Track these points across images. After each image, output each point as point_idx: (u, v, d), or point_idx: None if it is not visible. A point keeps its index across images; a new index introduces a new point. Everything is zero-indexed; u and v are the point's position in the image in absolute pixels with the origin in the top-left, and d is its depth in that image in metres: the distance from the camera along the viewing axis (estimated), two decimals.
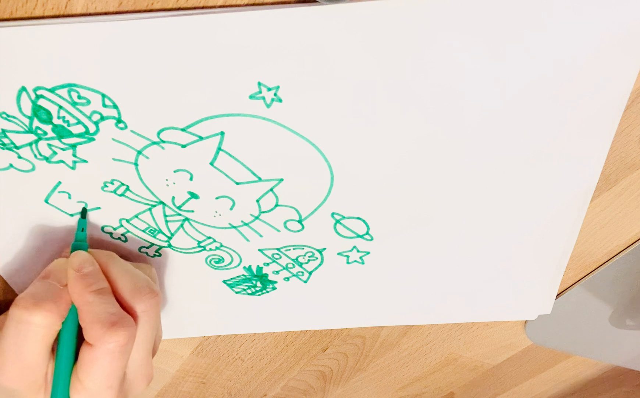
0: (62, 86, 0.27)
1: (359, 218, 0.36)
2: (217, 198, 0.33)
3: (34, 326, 0.30)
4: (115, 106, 0.28)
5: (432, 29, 0.27)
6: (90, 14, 0.26)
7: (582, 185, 0.36)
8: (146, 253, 0.37)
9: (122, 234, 0.36)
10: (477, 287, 0.43)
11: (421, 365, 0.57)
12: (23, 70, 0.27)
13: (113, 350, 0.30)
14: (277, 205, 0.34)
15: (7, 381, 0.31)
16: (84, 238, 0.34)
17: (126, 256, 0.37)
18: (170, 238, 0.36)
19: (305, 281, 0.40)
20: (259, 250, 0.37)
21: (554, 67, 0.29)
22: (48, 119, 0.29)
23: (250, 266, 0.39)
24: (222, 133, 0.30)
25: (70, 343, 0.32)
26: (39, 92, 0.28)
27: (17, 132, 0.29)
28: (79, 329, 0.32)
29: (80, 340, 0.32)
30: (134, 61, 0.27)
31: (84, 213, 0.34)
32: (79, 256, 0.33)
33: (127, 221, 0.35)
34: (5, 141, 0.30)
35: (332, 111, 0.30)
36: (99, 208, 0.34)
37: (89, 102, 0.28)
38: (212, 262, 0.38)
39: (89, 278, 0.32)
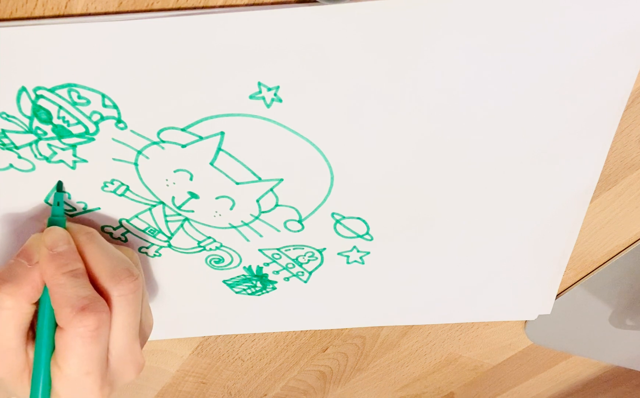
0: (62, 86, 0.27)
1: (359, 218, 0.36)
2: (217, 198, 0.33)
3: (2, 310, 0.29)
4: (115, 106, 0.28)
5: (432, 29, 0.27)
6: (90, 14, 0.26)
7: (582, 185, 0.36)
8: (146, 253, 0.37)
9: (122, 234, 0.36)
10: (477, 287, 0.43)
11: (421, 365, 0.57)
12: (23, 70, 0.27)
13: (83, 335, 0.29)
14: (277, 205, 0.34)
15: None
16: (61, 214, 0.32)
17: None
18: (170, 238, 0.36)
19: (305, 281, 0.40)
20: (259, 250, 0.37)
21: (554, 67, 0.29)
22: (48, 119, 0.29)
23: (250, 266, 0.39)
24: (222, 133, 0.30)
25: (49, 326, 0.30)
26: (39, 92, 0.28)
27: (17, 132, 0.29)
28: None
29: None
30: (134, 61, 0.27)
31: (59, 186, 0.32)
32: (53, 233, 0.31)
33: (127, 221, 0.35)
34: (5, 141, 0.30)
35: (332, 111, 0.30)
36: (99, 208, 0.34)
37: (89, 102, 0.28)
38: (212, 262, 0.38)
39: (62, 257, 0.30)
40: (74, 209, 0.34)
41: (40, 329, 0.30)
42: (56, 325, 0.30)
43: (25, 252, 0.31)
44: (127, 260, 0.32)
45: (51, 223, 0.32)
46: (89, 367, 0.30)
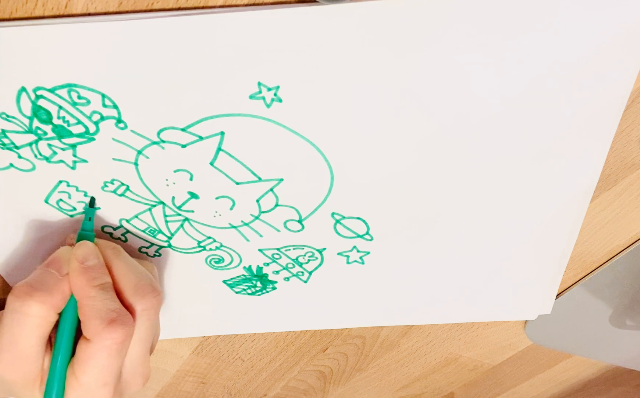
0: (62, 86, 0.27)
1: (359, 218, 0.36)
2: (217, 198, 0.33)
3: (27, 316, 0.30)
4: (115, 106, 0.28)
5: (432, 29, 0.27)
6: (90, 14, 0.26)
7: (582, 185, 0.36)
8: (146, 253, 0.37)
9: (122, 234, 0.36)
10: (477, 287, 0.43)
11: (421, 365, 0.57)
12: (23, 70, 0.27)
13: (110, 347, 0.30)
14: (277, 205, 0.34)
15: (2, 370, 0.30)
16: (91, 229, 0.33)
17: None
18: (170, 238, 0.36)
19: (305, 281, 0.40)
20: (259, 250, 0.37)
21: (554, 67, 0.29)
22: (48, 119, 0.29)
23: (250, 266, 0.39)
24: (222, 133, 0.30)
25: (69, 337, 0.31)
26: (39, 93, 0.28)
27: (17, 132, 0.29)
28: (78, 323, 0.32)
29: (79, 334, 0.32)
30: (134, 60, 0.27)
31: (92, 202, 0.33)
32: (84, 247, 0.32)
33: (127, 221, 0.35)
34: (5, 141, 0.30)
35: (332, 111, 0.30)
36: (99, 208, 0.34)
37: (89, 102, 0.28)
38: (212, 262, 0.38)
39: (92, 271, 0.31)
40: (74, 209, 0.34)
41: (59, 338, 0.31)
42: (75, 335, 0.31)
43: (55, 262, 0.32)
44: (150, 275, 0.33)
45: (81, 237, 0.33)
46: (107, 379, 0.31)
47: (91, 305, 0.30)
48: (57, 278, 0.31)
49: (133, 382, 0.33)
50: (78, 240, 0.33)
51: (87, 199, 0.33)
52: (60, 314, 0.31)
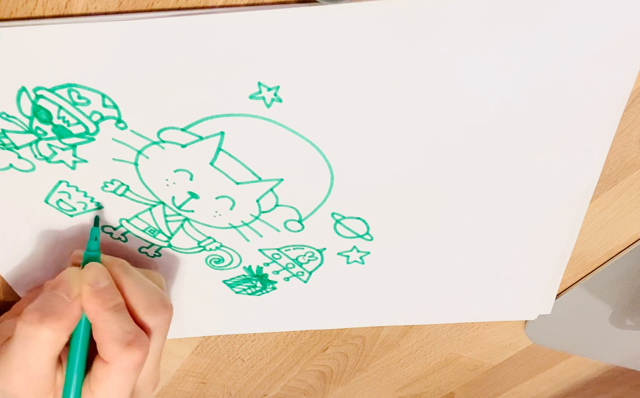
0: (62, 86, 0.27)
1: (359, 218, 0.36)
2: (217, 198, 0.33)
3: (39, 342, 0.30)
4: (115, 106, 0.28)
5: (432, 29, 0.27)
6: (90, 14, 0.26)
7: (582, 185, 0.36)
8: (146, 253, 0.37)
9: (122, 234, 0.36)
10: (477, 287, 0.43)
11: (421, 365, 0.57)
12: (23, 70, 0.27)
13: (128, 368, 0.30)
14: (277, 205, 0.34)
15: (13, 389, 0.31)
16: (97, 248, 0.33)
17: (126, 256, 0.37)
18: (170, 238, 0.36)
19: (305, 281, 0.40)
20: (259, 250, 0.37)
21: (554, 67, 0.29)
22: (48, 119, 0.29)
23: (250, 266, 0.39)
24: (222, 133, 0.30)
25: (82, 356, 0.32)
26: (39, 93, 0.28)
27: (17, 132, 0.29)
28: (90, 338, 0.32)
29: (91, 348, 0.32)
30: (134, 61, 0.27)
31: (96, 221, 0.33)
32: (95, 270, 0.32)
33: (127, 221, 0.35)
34: (5, 141, 0.30)
35: (332, 111, 0.30)
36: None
37: (89, 102, 0.28)
38: (212, 262, 0.38)
39: (105, 293, 0.31)
40: (74, 209, 0.34)
41: (72, 358, 0.32)
42: (87, 353, 0.32)
43: (63, 286, 0.31)
44: (160, 290, 0.33)
45: (88, 258, 0.33)
46: (123, 395, 0.31)
47: (107, 328, 0.31)
48: (67, 302, 0.31)
49: (144, 389, 0.34)
50: (85, 261, 0.33)
51: (87, 200, 0.33)
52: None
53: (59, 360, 0.32)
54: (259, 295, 0.41)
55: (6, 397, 0.31)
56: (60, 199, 0.33)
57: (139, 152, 0.31)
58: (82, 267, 0.32)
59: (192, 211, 0.34)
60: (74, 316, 0.31)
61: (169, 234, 0.36)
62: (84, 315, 0.32)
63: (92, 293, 0.31)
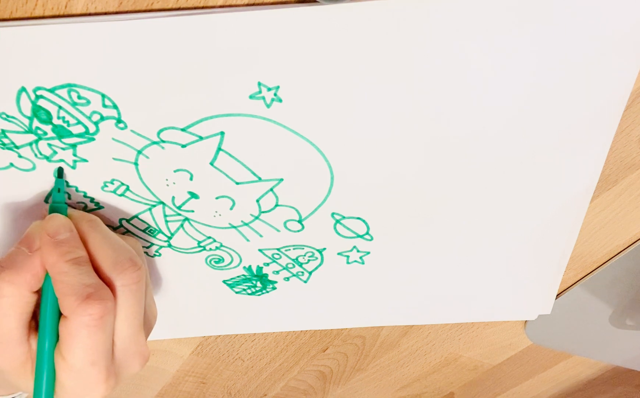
0: (62, 86, 0.27)
1: (359, 218, 0.36)
2: (217, 198, 0.33)
3: (1, 298, 0.28)
4: (115, 106, 0.28)
5: (432, 29, 0.27)
6: (90, 14, 0.26)
7: (582, 185, 0.36)
8: (146, 253, 0.37)
9: (122, 234, 0.36)
10: (477, 287, 0.43)
11: (421, 365, 0.57)
12: (23, 70, 0.27)
13: (88, 323, 0.28)
14: (277, 205, 0.34)
15: None
16: (62, 201, 0.31)
17: None
18: (170, 238, 0.36)
19: (305, 281, 0.40)
20: (259, 250, 0.37)
21: (554, 67, 0.29)
22: (48, 120, 0.29)
23: (250, 266, 0.39)
24: (222, 133, 0.30)
25: (52, 316, 0.30)
26: (38, 93, 0.28)
27: (17, 132, 0.29)
28: None
29: None
30: (133, 61, 0.27)
31: (60, 172, 0.31)
32: (55, 220, 0.30)
33: (127, 221, 0.35)
34: (5, 141, 0.30)
35: (332, 111, 0.30)
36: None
37: (88, 102, 0.28)
38: (212, 262, 0.38)
39: (64, 245, 0.29)
40: (74, 209, 0.34)
41: (42, 319, 0.30)
42: (60, 314, 0.30)
43: (26, 239, 0.30)
44: (130, 249, 0.31)
45: (52, 210, 0.31)
46: (94, 357, 0.29)
47: (65, 281, 0.29)
48: (27, 254, 0.29)
49: (129, 362, 0.32)
50: (50, 213, 0.31)
51: (87, 200, 0.33)
52: (40, 294, 0.30)
53: (35, 328, 0.30)
54: (259, 295, 0.41)
55: None
56: None
57: (139, 152, 0.31)
58: None
59: (192, 211, 0.34)
60: (34, 269, 0.29)
61: (169, 234, 0.36)
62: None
63: (52, 244, 0.29)
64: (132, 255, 0.31)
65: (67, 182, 0.32)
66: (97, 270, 0.30)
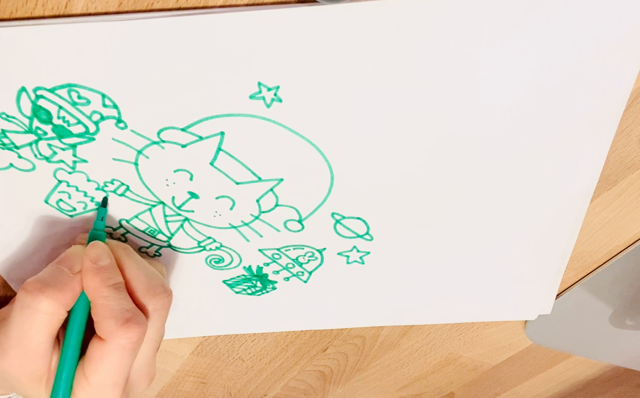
0: (62, 86, 0.27)
1: (359, 218, 0.36)
2: (217, 198, 0.33)
3: (37, 312, 0.29)
4: (115, 106, 0.28)
5: (432, 29, 0.27)
6: (90, 14, 0.26)
7: (582, 185, 0.36)
8: (146, 253, 0.37)
9: (122, 235, 0.36)
10: (477, 287, 0.43)
11: (421, 365, 0.57)
12: (23, 70, 0.27)
13: (124, 347, 0.30)
14: (277, 205, 0.34)
15: (9, 366, 0.30)
16: (102, 228, 0.33)
17: None
18: (170, 238, 0.36)
19: (305, 281, 0.40)
20: (259, 250, 0.37)
21: (554, 67, 0.29)
22: (48, 119, 0.29)
23: (250, 266, 0.39)
24: (222, 133, 0.30)
25: (78, 335, 0.31)
26: (38, 93, 0.28)
27: (17, 132, 0.29)
28: (88, 321, 0.32)
29: (87, 333, 0.32)
30: (134, 61, 0.27)
31: (104, 202, 0.33)
32: (97, 248, 0.32)
33: (127, 221, 0.35)
34: (5, 141, 0.30)
35: (332, 111, 0.30)
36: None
37: (89, 102, 0.28)
38: (212, 262, 0.38)
39: (105, 271, 0.31)
40: (74, 209, 0.34)
41: (69, 336, 0.31)
42: (84, 334, 0.31)
43: (67, 261, 0.32)
44: (160, 276, 0.33)
45: (93, 236, 0.33)
46: (118, 379, 0.31)
47: (105, 305, 0.30)
48: (69, 275, 0.31)
49: (139, 382, 0.33)
50: (90, 240, 0.33)
51: (87, 200, 0.33)
52: (69, 312, 0.31)
53: (57, 344, 0.32)
54: (259, 295, 0.41)
55: (1, 373, 0.31)
56: (60, 200, 0.33)
57: (139, 152, 0.31)
58: (87, 244, 0.33)
59: (192, 211, 0.34)
60: (74, 291, 0.31)
61: (169, 235, 0.36)
62: (82, 296, 0.31)
63: (94, 269, 0.31)
64: (163, 281, 0.33)
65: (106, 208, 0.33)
66: (130, 294, 0.32)
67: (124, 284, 0.32)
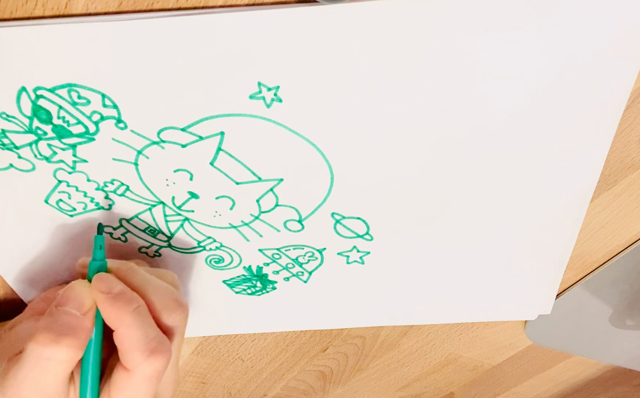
0: (62, 86, 0.27)
1: (359, 218, 0.36)
2: (217, 198, 0.33)
3: (55, 362, 0.28)
4: (115, 106, 0.28)
5: (431, 29, 0.27)
6: (90, 14, 0.26)
7: (582, 185, 0.36)
8: (146, 253, 0.37)
9: (122, 235, 0.36)
10: (477, 287, 0.43)
11: (421, 365, 0.57)
12: (23, 70, 0.27)
13: (152, 376, 0.29)
14: (277, 205, 0.34)
15: None
16: (102, 257, 0.32)
17: (126, 256, 0.37)
18: (170, 238, 0.36)
19: (305, 281, 0.40)
20: (259, 250, 0.37)
21: (554, 67, 0.29)
22: (48, 119, 0.29)
23: (250, 266, 0.39)
24: (222, 133, 0.30)
25: (95, 369, 0.31)
26: (39, 93, 0.28)
27: (17, 132, 0.29)
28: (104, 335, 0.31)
29: (105, 349, 0.31)
30: (133, 61, 0.27)
31: (100, 229, 0.32)
32: (105, 280, 0.31)
33: (127, 221, 0.35)
34: (5, 141, 0.30)
35: (332, 111, 0.30)
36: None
37: (89, 102, 0.28)
38: (212, 262, 0.38)
39: (122, 298, 0.30)
40: (74, 209, 0.34)
41: (84, 374, 0.30)
42: (100, 361, 0.31)
43: (73, 301, 0.30)
44: (172, 289, 0.32)
45: (95, 267, 0.32)
46: None
47: (129, 334, 0.29)
48: (79, 317, 0.30)
49: (165, 392, 0.33)
50: (91, 272, 0.31)
51: (87, 200, 0.33)
52: None
53: (72, 378, 0.31)
54: (259, 295, 0.41)
55: None
56: (60, 200, 0.33)
57: (139, 152, 0.31)
58: (90, 277, 0.31)
59: (192, 211, 0.34)
60: (88, 331, 0.30)
61: (169, 234, 0.36)
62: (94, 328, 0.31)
63: (109, 300, 0.30)
64: (177, 295, 0.32)
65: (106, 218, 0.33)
66: None
67: (145, 306, 0.31)
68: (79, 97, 0.28)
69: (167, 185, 0.33)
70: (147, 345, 0.29)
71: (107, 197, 0.33)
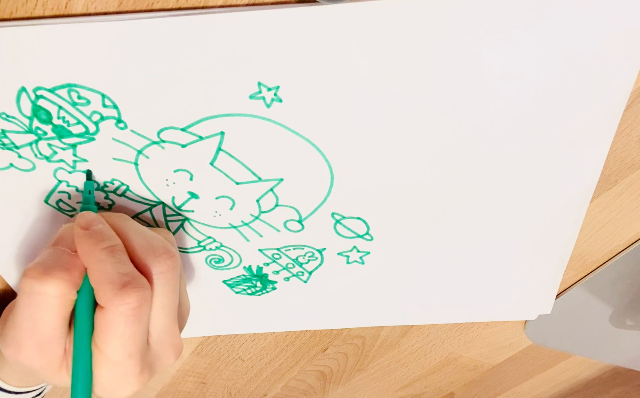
0: (62, 86, 0.27)
1: (359, 218, 0.36)
2: (217, 198, 0.33)
3: (47, 296, 0.28)
4: (115, 106, 0.28)
5: (431, 29, 0.27)
6: (90, 14, 0.26)
7: (582, 185, 0.36)
8: None
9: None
10: (477, 287, 0.43)
11: (421, 365, 0.57)
12: (23, 70, 0.27)
13: (125, 313, 0.28)
14: (277, 205, 0.34)
15: (25, 359, 0.29)
16: (92, 201, 0.32)
17: None
18: None
19: (305, 281, 0.40)
20: (259, 250, 0.37)
21: (554, 67, 0.29)
22: (48, 120, 0.29)
23: (250, 266, 0.39)
24: (222, 133, 0.30)
25: (88, 312, 0.29)
26: (38, 93, 0.28)
27: (17, 132, 0.29)
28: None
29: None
30: (133, 60, 0.27)
31: (89, 175, 0.32)
32: (86, 215, 0.30)
33: None
34: (5, 141, 0.30)
35: (332, 111, 0.30)
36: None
37: (88, 102, 0.28)
38: (212, 262, 0.38)
39: (99, 234, 0.29)
40: (74, 209, 0.34)
41: (79, 313, 0.29)
42: (95, 306, 0.29)
43: (63, 240, 0.30)
44: (163, 239, 0.31)
45: (82, 210, 0.31)
46: (131, 348, 0.29)
47: (101, 269, 0.28)
48: (70, 254, 0.29)
49: (163, 355, 0.31)
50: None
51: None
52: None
53: (70, 327, 0.30)
54: (259, 295, 0.41)
55: (18, 367, 0.30)
56: (60, 200, 0.33)
57: (139, 152, 0.31)
58: None
59: (192, 211, 0.34)
60: (80, 268, 0.29)
61: None
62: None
63: (85, 235, 0.29)
64: (165, 243, 0.31)
65: (97, 183, 0.32)
66: (131, 259, 0.30)
67: (121, 246, 0.29)
68: (79, 97, 0.28)
69: (167, 185, 0.33)
70: (119, 279, 0.28)
71: (107, 197, 0.33)
